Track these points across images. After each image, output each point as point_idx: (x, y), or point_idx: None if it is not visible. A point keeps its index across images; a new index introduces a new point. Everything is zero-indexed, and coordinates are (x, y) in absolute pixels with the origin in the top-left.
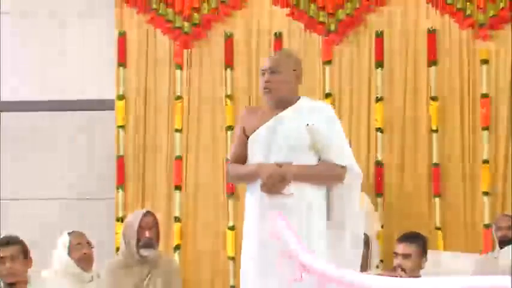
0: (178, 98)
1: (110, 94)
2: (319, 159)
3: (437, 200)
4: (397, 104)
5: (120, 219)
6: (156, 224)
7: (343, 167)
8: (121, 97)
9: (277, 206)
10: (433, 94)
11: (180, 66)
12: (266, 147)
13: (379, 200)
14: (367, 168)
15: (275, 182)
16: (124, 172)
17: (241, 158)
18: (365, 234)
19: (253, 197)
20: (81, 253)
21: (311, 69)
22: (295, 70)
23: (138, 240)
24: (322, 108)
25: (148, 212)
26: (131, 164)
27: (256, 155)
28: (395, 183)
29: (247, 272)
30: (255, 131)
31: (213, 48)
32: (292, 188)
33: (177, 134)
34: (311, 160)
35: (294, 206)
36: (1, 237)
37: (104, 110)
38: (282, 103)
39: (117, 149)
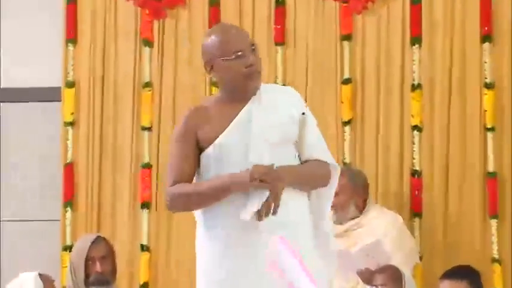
0: (147, 85)
1: (55, 80)
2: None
3: (493, 222)
4: (440, 94)
5: (68, 248)
6: (110, 252)
7: (328, 164)
8: (70, 84)
9: (276, 225)
10: (488, 80)
11: (149, 43)
12: (242, 151)
13: (417, 222)
14: (401, 179)
15: (272, 180)
16: (73, 184)
17: (189, 177)
18: (397, 269)
19: (221, 226)
20: None
21: (324, 46)
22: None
23: (87, 275)
24: (294, 93)
25: (99, 238)
26: (83, 174)
27: (223, 168)
28: (437, 200)
29: None
30: (216, 136)
31: (194, 19)
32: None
33: (145, 134)
34: (294, 160)
35: (297, 221)
36: None
37: (47, 101)
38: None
39: (64, 154)
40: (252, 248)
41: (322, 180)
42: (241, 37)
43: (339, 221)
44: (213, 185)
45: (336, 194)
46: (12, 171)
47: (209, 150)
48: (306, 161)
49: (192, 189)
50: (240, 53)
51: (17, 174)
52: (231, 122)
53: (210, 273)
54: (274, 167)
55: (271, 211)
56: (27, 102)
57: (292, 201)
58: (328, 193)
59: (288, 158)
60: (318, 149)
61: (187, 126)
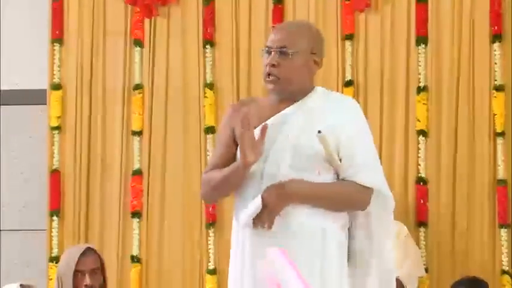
0: (137, 87)
1: (41, 83)
2: (338, 177)
3: (503, 231)
4: (447, 97)
5: (55, 260)
6: (100, 265)
7: (368, 189)
8: (56, 86)
9: (274, 241)
10: (498, 82)
11: (139, 43)
12: (265, 151)
13: (422, 232)
14: (405, 187)
15: (275, 200)
16: (60, 193)
17: (225, 165)
18: (397, 280)
19: (239, 230)
20: None
21: (325, 46)
22: (314, 54)
23: None
24: (346, 106)
25: (88, 249)
26: (70, 182)
27: None
28: (444, 209)
29: None
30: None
31: (187, 17)
32: (300, 216)
33: (136, 139)
34: (325, 178)
35: (303, 245)
36: None
37: (33, 104)
38: (291, 96)
39: (50, 160)
40: (251, 256)
41: (345, 202)
42: (279, 35)
43: None
44: (228, 170)
45: None
46: None
47: (237, 150)
48: (342, 180)
49: (214, 178)
50: (267, 48)
51: (1, 183)
52: (262, 122)
53: (232, 263)
54: (294, 180)
55: (266, 225)
56: (12, 105)
57: (305, 217)
58: (377, 227)
59: (310, 172)
60: (354, 168)
61: (226, 122)
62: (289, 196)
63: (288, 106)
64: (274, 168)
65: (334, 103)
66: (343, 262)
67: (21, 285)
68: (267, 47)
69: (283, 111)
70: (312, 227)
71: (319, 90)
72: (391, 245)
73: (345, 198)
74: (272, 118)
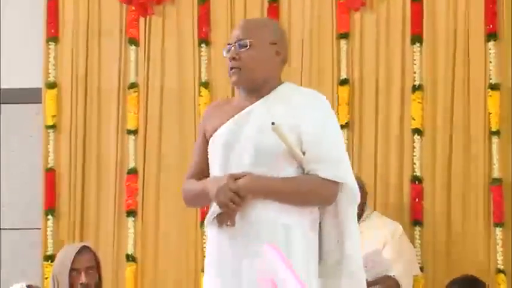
0: (133, 86)
1: (36, 81)
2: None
3: (498, 230)
4: (442, 96)
5: (50, 259)
6: (96, 263)
7: (332, 183)
8: (51, 85)
9: (239, 244)
10: (493, 81)
11: (135, 42)
12: (225, 154)
13: (417, 231)
14: (400, 186)
15: (226, 201)
16: (55, 191)
17: (203, 172)
18: (395, 281)
19: (210, 229)
20: None
21: (320, 45)
22: (275, 44)
23: (71, 286)
24: (311, 99)
25: (84, 248)
26: (65, 180)
27: (213, 166)
28: (439, 208)
29: None
30: (215, 131)
31: (182, 16)
32: (262, 212)
33: (131, 138)
34: (288, 172)
35: (264, 242)
36: None
37: (27, 103)
38: (257, 91)
39: (45, 159)
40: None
41: (308, 197)
42: (238, 30)
43: None
44: (197, 189)
45: None
46: None
47: (209, 144)
48: (306, 174)
49: (191, 188)
50: (228, 46)
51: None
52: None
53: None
54: (250, 177)
55: (228, 222)
56: (7, 104)
57: (261, 211)
58: (342, 213)
59: (272, 168)
60: (319, 162)
61: (202, 119)
62: (245, 193)
63: (254, 103)
64: (236, 169)
65: (299, 97)
66: (311, 260)
67: (28, 286)
68: (228, 44)
69: (246, 109)
70: (274, 223)
71: (286, 85)
72: (357, 244)
73: (307, 192)
74: (236, 116)
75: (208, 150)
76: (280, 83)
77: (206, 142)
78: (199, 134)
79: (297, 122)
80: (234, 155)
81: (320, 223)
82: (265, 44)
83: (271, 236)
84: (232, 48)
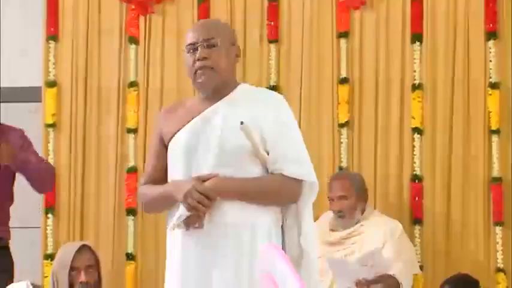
0: (133, 84)
1: (36, 80)
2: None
3: (498, 229)
4: (442, 94)
5: (50, 257)
6: (96, 262)
7: (296, 181)
8: (51, 84)
9: (207, 245)
10: (493, 80)
11: (135, 40)
12: (187, 156)
13: (417, 229)
14: (400, 184)
15: (195, 204)
16: (55, 190)
17: (159, 176)
18: (395, 280)
19: (174, 232)
20: None
21: (320, 44)
22: (234, 45)
23: (71, 285)
24: (271, 99)
25: (84, 247)
26: (65, 179)
27: (174, 170)
28: (439, 207)
29: None
30: (174, 135)
31: (182, 15)
32: (229, 213)
33: (131, 136)
34: (253, 172)
35: (229, 242)
36: None
37: (28, 101)
38: (219, 92)
39: (45, 157)
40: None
41: (274, 196)
42: (201, 30)
43: (344, 227)
44: (160, 192)
45: (345, 198)
46: None
47: (168, 148)
48: (270, 174)
49: (150, 192)
50: (190, 46)
51: None
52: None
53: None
54: (217, 179)
55: (196, 225)
56: (7, 102)
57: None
58: (302, 210)
59: (236, 168)
60: (282, 161)
61: (157, 123)
62: (213, 195)
63: (213, 104)
64: (200, 171)
65: (257, 97)
66: None
67: (32, 284)
68: (190, 44)
69: (206, 110)
70: (241, 222)
71: (243, 86)
72: (313, 240)
73: (274, 191)
74: (197, 118)
75: (168, 154)
76: (237, 84)
77: (164, 147)
78: (154, 140)
79: (259, 122)
80: (197, 156)
81: (283, 221)
82: (228, 44)
83: (237, 236)
84: (200, 48)
